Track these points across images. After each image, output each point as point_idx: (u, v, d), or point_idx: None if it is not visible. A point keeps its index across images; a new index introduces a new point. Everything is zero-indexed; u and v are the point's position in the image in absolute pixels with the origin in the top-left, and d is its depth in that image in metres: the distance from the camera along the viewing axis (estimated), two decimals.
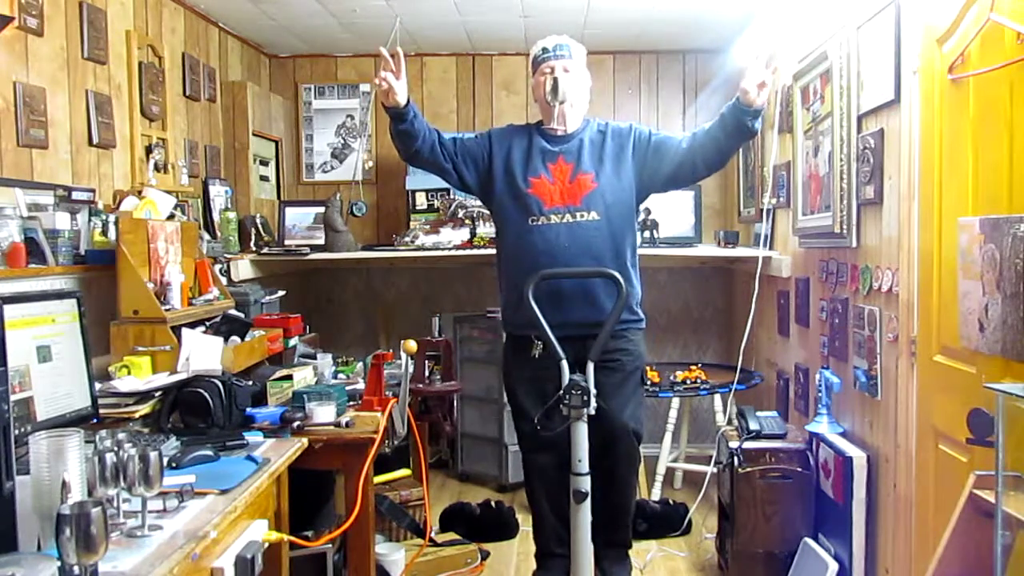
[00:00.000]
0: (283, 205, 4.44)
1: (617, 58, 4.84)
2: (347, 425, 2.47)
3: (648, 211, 4.16)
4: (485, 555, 3.47)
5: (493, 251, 4.10)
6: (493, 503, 3.80)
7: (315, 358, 3.27)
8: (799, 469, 3.04)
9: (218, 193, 3.91)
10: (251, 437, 2.29)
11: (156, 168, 3.29)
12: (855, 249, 2.94)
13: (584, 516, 2.59)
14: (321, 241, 4.23)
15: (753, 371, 4.16)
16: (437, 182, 4.40)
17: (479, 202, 4.20)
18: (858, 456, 2.80)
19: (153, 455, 1.60)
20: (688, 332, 5.02)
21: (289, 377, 2.78)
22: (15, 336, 1.85)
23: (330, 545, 2.67)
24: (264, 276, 4.11)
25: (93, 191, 2.80)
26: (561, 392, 2.54)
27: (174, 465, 1.98)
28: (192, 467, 1.99)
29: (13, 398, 1.69)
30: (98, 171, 2.95)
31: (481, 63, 4.93)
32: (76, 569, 1.29)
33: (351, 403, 2.71)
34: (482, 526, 3.68)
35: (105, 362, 2.53)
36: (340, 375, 3.25)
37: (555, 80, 2.76)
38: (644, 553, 3.51)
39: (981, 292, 1.86)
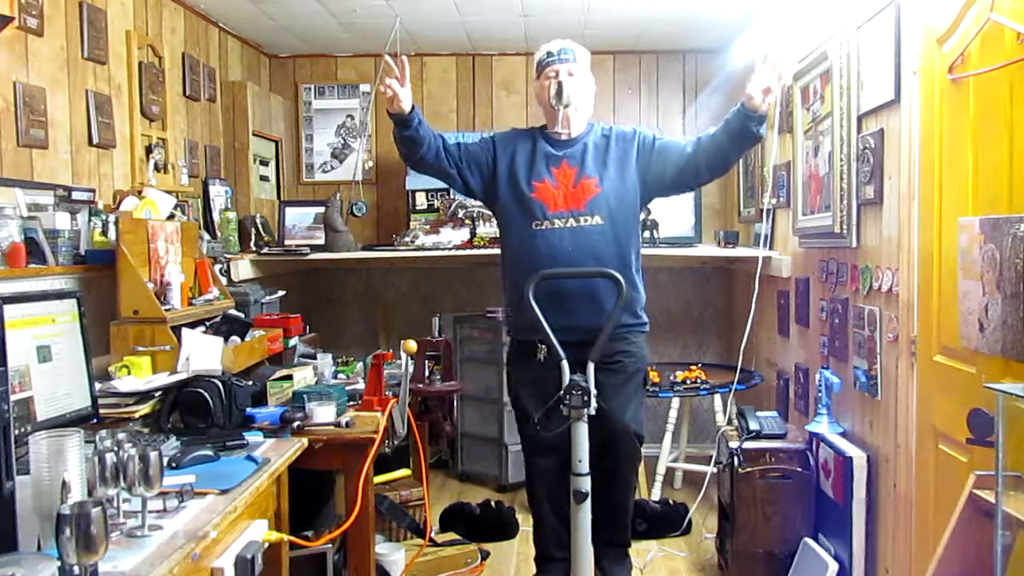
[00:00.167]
0: (283, 205, 4.44)
1: (617, 58, 4.83)
2: (347, 425, 2.47)
3: (648, 211, 4.15)
4: (485, 555, 3.47)
5: (493, 251, 4.15)
6: (493, 503, 3.80)
7: (315, 358, 3.27)
8: (799, 469, 3.04)
9: (218, 193, 3.91)
10: (251, 437, 2.29)
11: (156, 168, 3.28)
12: (855, 249, 2.94)
13: (584, 516, 2.59)
14: (321, 241, 4.23)
15: (753, 371, 4.16)
16: (437, 182, 4.40)
17: (480, 202, 4.22)
18: (858, 456, 2.80)
19: (153, 455, 1.60)
20: (688, 332, 5.02)
21: (289, 377, 2.78)
22: (15, 336, 1.85)
23: (330, 545, 2.67)
24: (264, 276, 4.11)
25: (93, 191, 2.80)
26: (561, 392, 2.54)
27: (174, 465, 1.98)
28: (192, 467, 1.99)
29: (13, 398, 1.68)
30: (98, 171, 2.95)
31: (481, 63, 4.93)
32: (76, 569, 1.29)
33: (351, 403, 2.71)
34: (482, 526, 3.68)
35: (105, 362, 2.53)
36: (340, 375, 3.25)
37: (559, 84, 2.76)
38: (644, 553, 3.51)
39: (981, 292, 1.86)
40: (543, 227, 2.77)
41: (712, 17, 4.10)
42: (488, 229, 4.21)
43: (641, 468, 3.30)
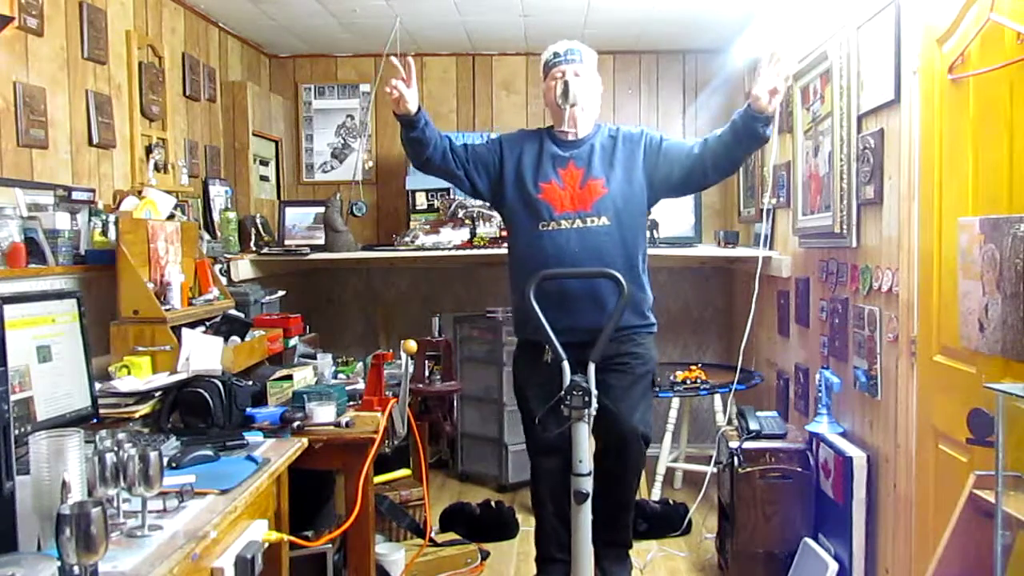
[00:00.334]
0: (283, 205, 4.44)
1: (617, 58, 4.83)
2: (347, 425, 2.47)
3: (648, 211, 4.15)
4: (485, 555, 3.47)
5: (493, 251, 4.15)
6: (493, 503, 3.80)
7: (315, 358, 3.27)
8: (799, 469, 3.04)
9: (218, 193, 3.91)
10: (251, 437, 2.29)
11: (156, 168, 3.28)
12: (855, 249, 2.94)
13: (585, 517, 2.58)
14: (321, 241, 4.23)
15: (753, 371, 4.16)
16: (437, 182, 4.41)
17: (479, 202, 4.22)
18: (858, 456, 2.80)
19: (153, 455, 1.60)
20: (688, 332, 5.02)
21: (289, 377, 2.78)
22: (15, 336, 1.85)
23: (330, 545, 2.67)
24: (264, 276, 4.11)
25: (93, 191, 2.80)
26: (562, 393, 2.53)
27: (174, 465, 1.98)
28: (192, 467, 1.99)
29: (13, 398, 1.68)
30: (98, 171, 2.95)
31: (481, 63, 4.93)
32: (76, 569, 1.29)
33: (351, 403, 2.71)
34: (482, 526, 3.68)
35: (105, 362, 2.53)
36: (340, 375, 3.25)
37: (566, 83, 2.76)
38: (644, 553, 3.51)
39: (981, 292, 1.86)
40: (550, 228, 2.77)
41: (712, 17, 4.10)
42: (488, 229, 4.22)
43: None
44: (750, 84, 2.80)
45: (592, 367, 2.56)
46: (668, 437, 4.09)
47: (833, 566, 2.81)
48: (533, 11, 4.02)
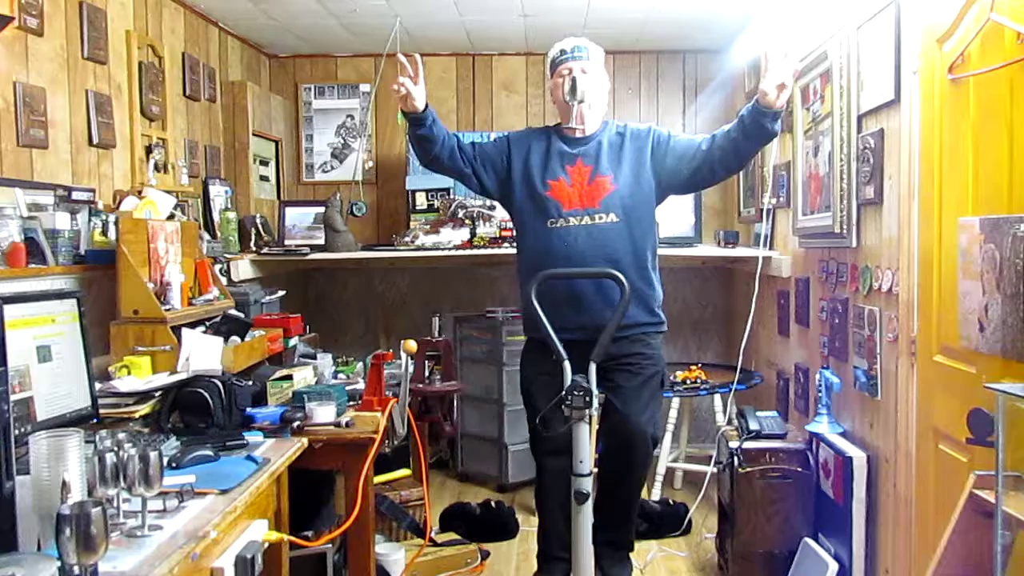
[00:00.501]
0: (283, 205, 4.44)
1: (617, 58, 4.83)
2: (347, 425, 2.47)
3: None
4: (485, 555, 3.47)
5: (493, 251, 4.15)
6: (493, 503, 3.80)
7: (315, 358, 3.27)
8: (799, 469, 3.04)
9: (218, 193, 3.91)
10: (251, 437, 2.29)
11: (156, 168, 3.28)
12: (855, 249, 2.94)
13: (585, 517, 2.58)
14: (321, 241, 4.23)
15: (753, 371, 4.16)
16: (437, 182, 4.44)
17: (479, 202, 4.22)
18: (858, 456, 2.80)
19: (153, 455, 1.60)
20: (688, 332, 5.02)
21: (289, 377, 2.78)
22: (15, 336, 1.85)
23: (330, 545, 2.67)
24: (264, 276, 4.11)
25: (93, 191, 2.80)
26: (563, 393, 2.53)
27: (174, 465, 1.98)
28: (192, 467, 1.99)
29: (13, 398, 1.69)
30: (98, 171, 2.95)
31: (481, 63, 4.93)
32: (76, 569, 1.29)
33: (351, 403, 2.71)
34: (482, 526, 3.68)
35: (105, 362, 2.53)
36: (340, 375, 3.25)
37: (574, 80, 2.76)
38: (644, 553, 3.51)
39: (981, 292, 1.86)
40: (558, 225, 2.77)
41: (712, 17, 4.10)
42: (488, 229, 4.22)
43: None
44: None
45: (593, 367, 2.56)
46: (668, 437, 4.09)
47: (833, 566, 2.81)
48: (533, 11, 4.02)
